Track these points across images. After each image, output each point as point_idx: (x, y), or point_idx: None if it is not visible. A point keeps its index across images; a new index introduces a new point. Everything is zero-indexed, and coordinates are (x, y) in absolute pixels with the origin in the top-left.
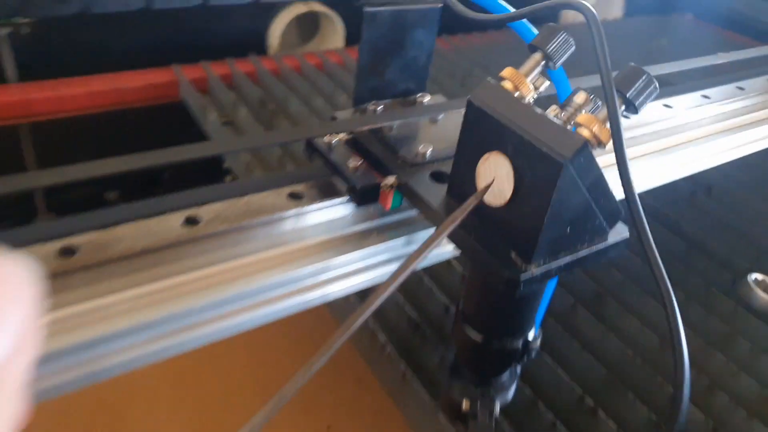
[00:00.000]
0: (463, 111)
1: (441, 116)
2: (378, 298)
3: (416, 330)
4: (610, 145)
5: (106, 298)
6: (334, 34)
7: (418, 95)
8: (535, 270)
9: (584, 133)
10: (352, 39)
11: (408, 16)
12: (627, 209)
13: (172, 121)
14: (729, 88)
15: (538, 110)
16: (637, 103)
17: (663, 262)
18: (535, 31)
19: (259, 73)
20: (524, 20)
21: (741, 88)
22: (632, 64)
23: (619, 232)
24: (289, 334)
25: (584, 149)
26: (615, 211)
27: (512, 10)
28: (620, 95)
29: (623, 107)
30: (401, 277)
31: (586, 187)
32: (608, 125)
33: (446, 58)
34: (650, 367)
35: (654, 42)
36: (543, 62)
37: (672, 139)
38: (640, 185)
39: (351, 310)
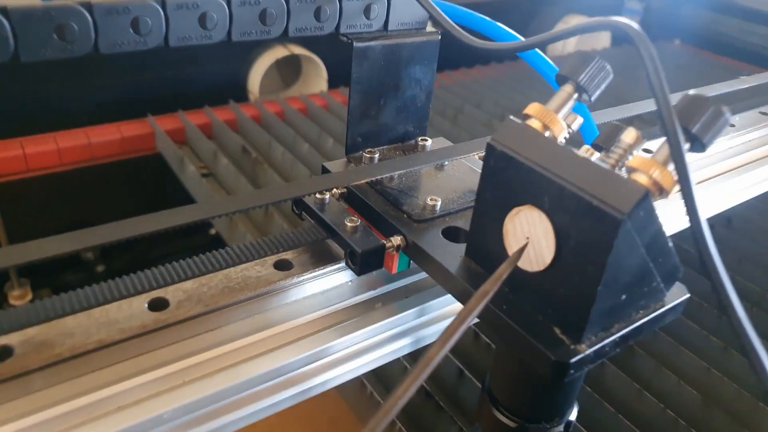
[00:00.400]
0: (473, 156)
1: (447, 162)
2: (389, 413)
3: (427, 400)
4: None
5: (46, 413)
6: (317, 77)
7: (419, 139)
8: (586, 349)
9: (642, 180)
10: (335, 81)
11: (403, 50)
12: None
13: (148, 175)
14: (752, 114)
15: (580, 153)
16: (705, 140)
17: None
18: (549, 60)
19: (240, 121)
20: (536, 49)
21: (765, 114)
22: (692, 91)
23: (678, 292)
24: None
25: (645, 201)
26: (674, 270)
27: (521, 38)
28: (684, 131)
29: (688, 145)
30: (417, 381)
31: (644, 245)
32: (671, 169)
33: (435, 95)
34: (694, 429)
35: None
36: (575, 95)
37: (699, 174)
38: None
39: (361, 391)
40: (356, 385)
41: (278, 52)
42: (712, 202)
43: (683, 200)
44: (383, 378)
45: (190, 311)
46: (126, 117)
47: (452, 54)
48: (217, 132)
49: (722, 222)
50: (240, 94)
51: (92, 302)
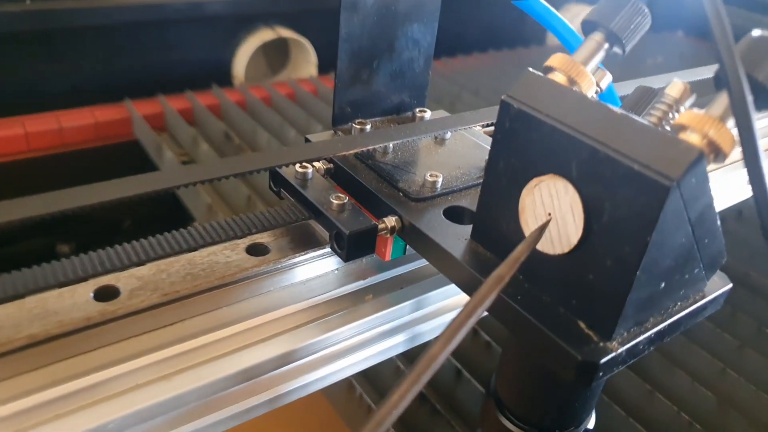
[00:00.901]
0: (477, 129)
1: (449, 136)
2: (382, 423)
3: (423, 403)
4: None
5: None
6: (306, 62)
7: (417, 110)
8: (617, 347)
9: (693, 139)
10: (325, 67)
11: (399, 3)
12: None
13: (124, 163)
14: None
15: (616, 109)
16: None
17: None
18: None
19: (223, 106)
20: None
21: None
22: (757, 31)
23: (719, 282)
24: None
25: (698, 165)
26: (718, 255)
27: None
28: (748, 79)
29: (752, 98)
30: (417, 385)
31: (692, 221)
32: (730, 126)
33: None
34: None
35: (650, 60)
36: (605, 45)
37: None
38: None
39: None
40: (344, 387)
41: (265, 35)
42: (723, 194)
43: (746, 163)
44: (374, 379)
45: (145, 302)
46: (101, 101)
47: (450, 39)
48: (199, 117)
49: (733, 215)
50: (225, 79)
51: (26, 288)
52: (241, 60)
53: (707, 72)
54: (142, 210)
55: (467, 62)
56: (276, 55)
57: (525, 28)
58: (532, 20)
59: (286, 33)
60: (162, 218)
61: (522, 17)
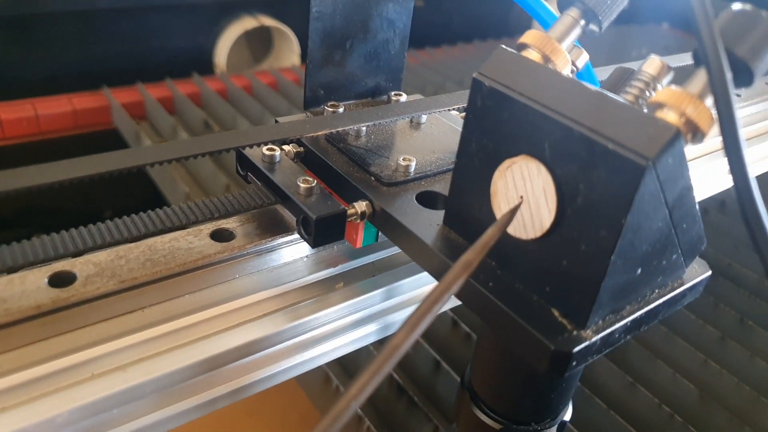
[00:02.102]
0: (455, 113)
1: (424, 119)
2: (339, 416)
3: (400, 395)
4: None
5: None
6: (289, 52)
7: (392, 94)
8: (591, 336)
9: (670, 117)
10: None
11: None
12: (751, 237)
13: (102, 152)
14: (758, 84)
15: (591, 87)
16: (755, 67)
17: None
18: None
19: (204, 95)
20: None
21: None
22: (737, 4)
23: (699, 269)
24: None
25: (674, 144)
26: (697, 241)
27: None
28: (728, 55)
29: (731, 74)
30: (378, 375)
31: (669, 204)
32: (709, 104)
33: (414, 72)
34: (692, 427)
35: (635, 51)
36: (581, 22)
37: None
38: None
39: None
40: (321, 380)
41: (247, 23)
42: (705, 183)
43: (724, 144)
44: (351, 371)
45: (101, 288)
46: (79, 88)
47: (435, 30)
48: (179, 106)
49: (716, 206)
50: (206, 67)
51: None
52: (223, 48)
53: (689, 58)
54: (121, 200)
55: (452, 52)
56: (258, 44)
57: (510, 19)
58: (517, 11)
59: (268, 21)
60: (142, 209)
61: (508, 7)
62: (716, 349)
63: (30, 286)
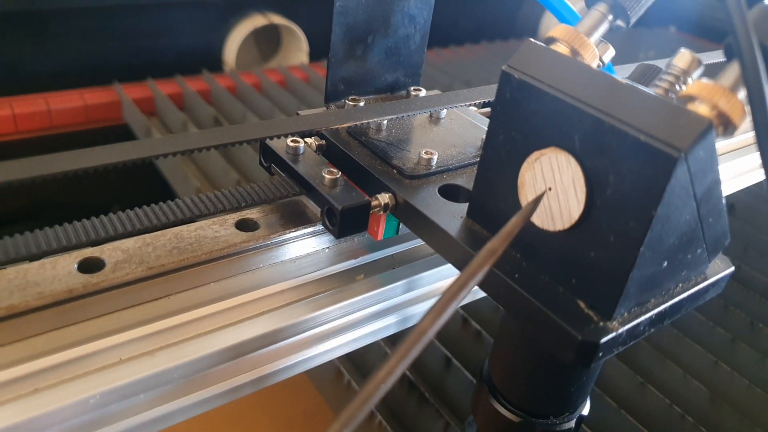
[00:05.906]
0: (474, 109)
1: (444, 114)
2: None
3: (411, 391)
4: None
5: None
6: (297, 50)
7: (411, 89)
8: (618, 327)
9: (702, 110)
10: (317, 55)
11: None
12: None
13: None
14: None
15: (621, 79)
16: None
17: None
18: None
19: (213, 91)
20: None
21: None
22: None
23: (721, 265)
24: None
25: (707, 136)
26: (721, 236)
27: None
28: (761, 49)
29: (764, 67)
30: (405, 361)
31: (698, 197)
32: (741, 97)
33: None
34: (703, 427)
35: (642, 54)
36: (609, 17)
37: None
38: None
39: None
40: (332, 374)
41: (256, 21)
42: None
43: (757, 137)
44: (362, 365)
45: (129, 275)
46: (90, 84)
47: (442, 30)
48: (189, 102)
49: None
50: (215, 64)
51: (6, 257)
52: (232, 46)
53: (707, 58)
54: (130, 195)
55: (459, 53)
56: (267, 41)
57: (518, 20)
58: (525, 12)
59: (278, 20)
60: (152, 204)
61: (515, 9)
62: (727, 351)
63: (61, 271)
